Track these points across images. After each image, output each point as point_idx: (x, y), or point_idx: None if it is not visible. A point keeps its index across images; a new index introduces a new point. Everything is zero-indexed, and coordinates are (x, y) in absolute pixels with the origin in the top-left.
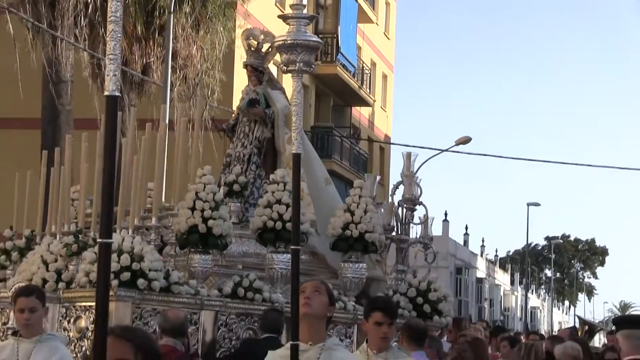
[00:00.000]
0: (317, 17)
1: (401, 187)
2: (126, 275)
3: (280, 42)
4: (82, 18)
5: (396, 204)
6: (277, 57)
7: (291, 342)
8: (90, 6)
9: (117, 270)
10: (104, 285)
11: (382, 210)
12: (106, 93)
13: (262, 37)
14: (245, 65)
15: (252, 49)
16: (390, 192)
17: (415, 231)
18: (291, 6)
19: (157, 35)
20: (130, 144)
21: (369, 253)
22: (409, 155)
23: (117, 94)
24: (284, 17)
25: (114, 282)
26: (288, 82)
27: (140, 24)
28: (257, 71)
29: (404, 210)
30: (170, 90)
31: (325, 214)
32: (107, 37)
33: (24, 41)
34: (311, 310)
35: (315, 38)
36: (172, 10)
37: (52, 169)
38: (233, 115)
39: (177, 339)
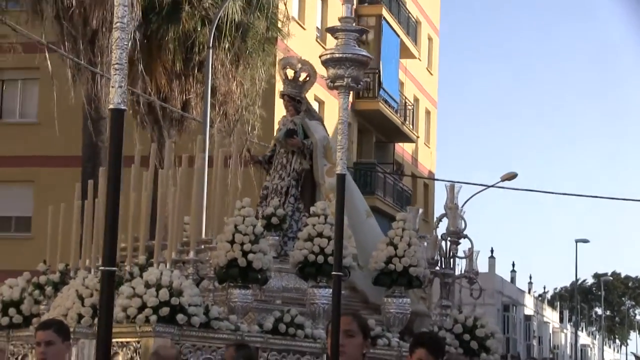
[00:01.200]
0: (367, 30)
1: (445, 220)
2: (165, 311)
3: (328, 56)
4: None
5: (440, 237)
6: (325, 72)
7: None
8: (129, 44)
9: (155, 306)
10: (107, 315)
11: (426, 243)
12: (111, 106)
13: (299, 66)
14: (282, 95)
15: (289, 78)
16: (434, 225)
17: (460, 266)
18: (340, 19)
19: (196, 71)
20: (164, 178)
21: (413, 288)
22: (452, 187)
23: (122, 107)
24: (332, 30)
25: (153, 318)
26: (333, 105)
27: (179, 61)
28: (294, 101)
29: (448, 243)
30: (211, 126)
31: (366, 247)
32: (113, 45)
33: (64, 78)
34: (346, 359)
35: (364, 52)
36: (211, 45)
37: (86, 201)
38: (270, 146)
39: None
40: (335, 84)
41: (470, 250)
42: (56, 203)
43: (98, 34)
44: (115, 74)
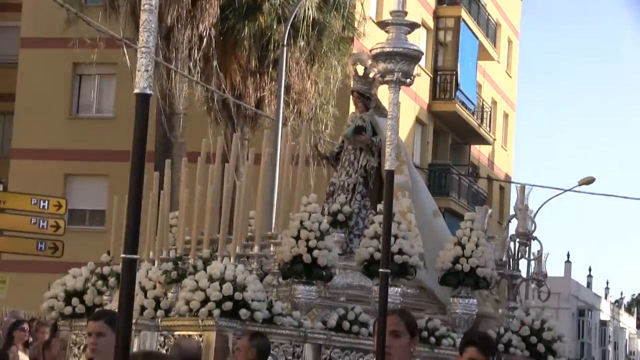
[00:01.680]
0: (419, 25)
1: (515, 221)
2: (228, 305)
3: (378, 50)
4: (197, 51)
5: (508, 238)
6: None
7: None
8: (204, 40)
9: (219, 300)
10: (127, 303)
11: (494, 244)
12: (136, 90)
13: (369, 62)
14: (352, 91)
15: (360, 75)
16: (504, 226)
17: (531, 268)
18: (391, 12)
19: (271, 69)
20: (230, 172)
21: (480, 289)
22: (522, 188)
23: (148, 91)
24: (382, 24)
25: (216, 312)
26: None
27: (254, 58)
28: (363, 97)
29: (517, 245)
30: (284, 124)
31: (433, 247)
32: (141, 28)
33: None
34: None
35: (415, 47)
36: (285, 43)
37: (151, 193)
38: (338, 143)
39: None
40: (386, 78)
41: (540, 252)
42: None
43: (173, 30)
44: (141, 57)
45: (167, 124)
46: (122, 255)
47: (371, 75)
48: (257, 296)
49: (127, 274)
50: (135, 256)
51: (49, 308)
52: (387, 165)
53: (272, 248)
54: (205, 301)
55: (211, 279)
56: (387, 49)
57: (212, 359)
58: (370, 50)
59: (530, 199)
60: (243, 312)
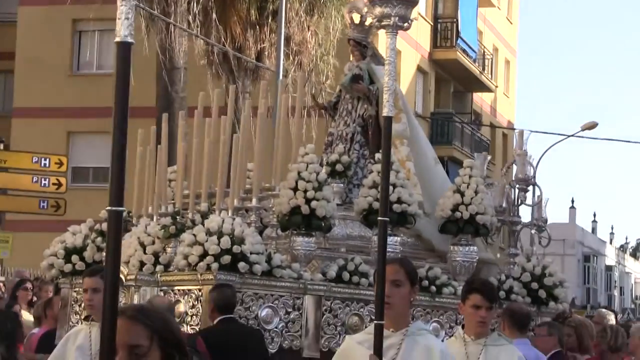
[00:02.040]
0: None
1: (514, 167)
2: (227, 259)
3: None
4: (195, 4)
5: (508, 184)
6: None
7: (375, 322)
8: None
9: (217, 253)
10: (114, 256)
11: (493, 191)
12: (117, 39)
13: (365, 9)
14: (348, 40)
15: (356, 22)
16: (502, 172)
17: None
18: None
19: (270, 20)
20: (227, 124)
21: (480, 236)
22: (521, 133)
23: (129, 40)
24: None
25: (214, 265)
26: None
27: (254, 9)
28: (360, 45)
29: (516, 191)
30: (285, 76)
31: (433, 195)
32: None
33: (138, 29)
34: (393, 311)
35: None
36: None
37: (149, 148)
38: (335, 92)
39: None
40: (383, 23)
41: (540, 197)
42: (131, 153)
43: None
44: (121, 5)
45: (168, 78)
46: (108, 208)
47: (367, 22)
48: (255, 249)
49: (113, 227)
50: (121, 208)
51: (49, 266)
52: (385, 112)
53: (270, 200)
54: (203, 255)
55: (209, 233)
56: None
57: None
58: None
59: (534, 146)
60: (242, 265)
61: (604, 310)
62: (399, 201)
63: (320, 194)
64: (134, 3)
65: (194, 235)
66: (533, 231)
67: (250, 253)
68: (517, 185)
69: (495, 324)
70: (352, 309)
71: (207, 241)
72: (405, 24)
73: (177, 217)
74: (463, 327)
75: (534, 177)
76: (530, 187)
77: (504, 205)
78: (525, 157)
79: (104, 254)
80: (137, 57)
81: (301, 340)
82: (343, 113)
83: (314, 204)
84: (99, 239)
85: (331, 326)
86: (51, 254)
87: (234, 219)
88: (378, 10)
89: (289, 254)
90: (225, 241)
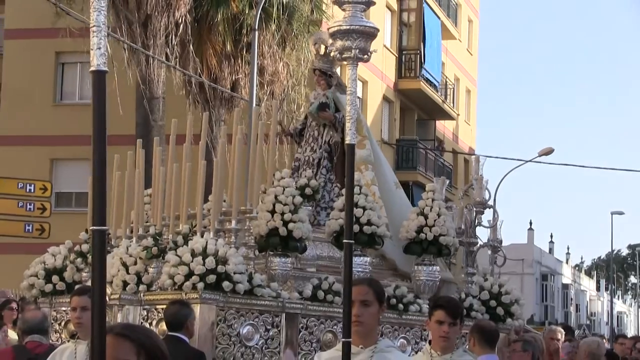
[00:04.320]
0: (374, 2)
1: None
2: (212, 278)
3: (336, 28)
4: (174, 37)
5: (465, 207)
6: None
7: (343, 340)
8: (180, 26)
9: (202, 273)
10: (100, 276)
11: (453, 213)
12: (92, 68)
13: (330, 41)
14: (314, 70)
15: (321, 53)
16: (460, 196)
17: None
18: None
19: (245, 52)
20: (201, 151)
21: (443, 256)
22: (477, 159)
23: (103, 68)
24: (339, 3)
25: (200, 285)
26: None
27: (229, 42)
28: (326, 75)
29: (474, 213)
30: (257, 105)
31: (394, 217)
32: (91, 8)
33: (121, 61)
34: (362, 328)
35: (371, 24)
36: (257, 27)
37: (126, 172)
38: (301, 119)
39: (42, 336)
40: (344, 55)
41: (495, 219)
42: (111, 178)
43: (151, 17)
44: (93, 36)
45: (148, 107)
46: (92, 227)
47: (332, 53)
48: (238, 269)
49: (98, 245)
50: (104, 227)
51: (29, 286)
52: (348, 140)
53: (247, 222)
54: (189, 275)
55: (194, 254)
56: (344, 27)
57: (197, 331)
58: (328, 29)
59: (494, 170)
60: (226, 284)
61: (554, 326)
62: (369, 223)
63: (297, 216)
64: (105, 34)
65: (179, 256)
66: (489, 252)
67: (234, 273)
68: (475, 208)
69: (459, 340)
70: (326, 326)
71: (192, 261)
72: (365, 56)
73: (159, 238)
74: (430, 342)
75: (490, 200)
76: (487, 210)
77: (462, 227)
78: (482, 182)
79: (84, 274)
80: (120, 88)
81: (279, 357)
82: (309, 139)
83: (291, 225)
84: (79, 259)
85: (307, 343)
86: (31, 275)
87: (216, 240)
88: (339, 43)
89: (266, 274)
90: (210, 261)
